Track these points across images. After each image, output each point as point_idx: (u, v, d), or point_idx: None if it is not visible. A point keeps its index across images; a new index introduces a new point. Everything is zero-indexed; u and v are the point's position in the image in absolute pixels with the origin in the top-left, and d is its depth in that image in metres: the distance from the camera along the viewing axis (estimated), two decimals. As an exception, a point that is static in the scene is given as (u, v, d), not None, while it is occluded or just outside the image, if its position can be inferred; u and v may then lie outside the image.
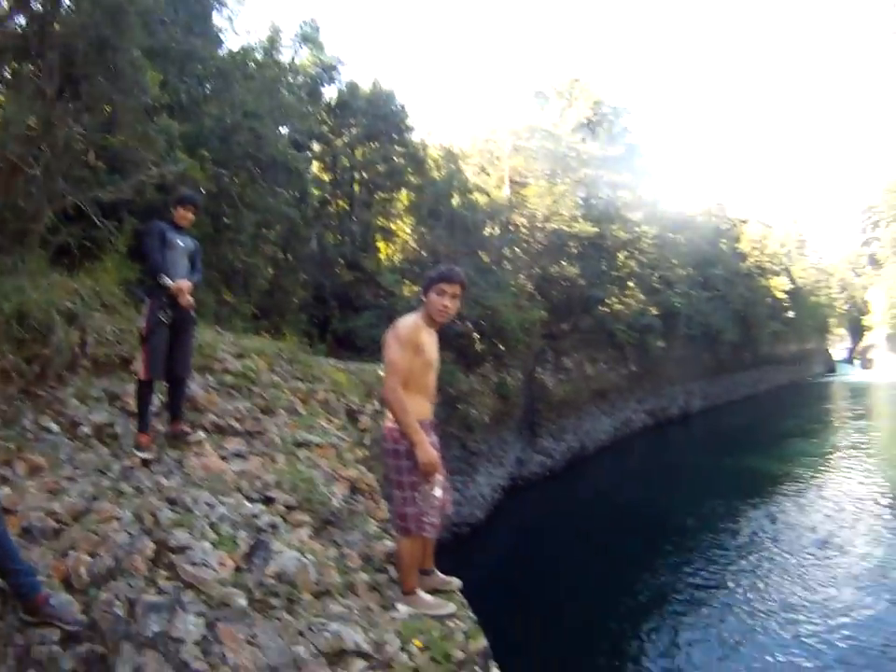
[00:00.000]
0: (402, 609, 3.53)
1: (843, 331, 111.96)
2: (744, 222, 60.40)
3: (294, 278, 19.43)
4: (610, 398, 37.97)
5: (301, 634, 3.01)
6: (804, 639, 15.45)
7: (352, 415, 8.92)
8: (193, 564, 3.15)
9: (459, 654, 3.37)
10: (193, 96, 13.53)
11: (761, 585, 18.24)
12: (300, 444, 5.77)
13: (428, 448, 3.38)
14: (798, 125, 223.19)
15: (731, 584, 18.51)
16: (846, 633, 15.39)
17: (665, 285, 41.68)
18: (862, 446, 37.28)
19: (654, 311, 39.27)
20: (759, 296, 58.17)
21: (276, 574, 3.30)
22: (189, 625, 2.77)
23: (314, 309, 20.13)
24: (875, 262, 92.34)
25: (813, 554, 20.24)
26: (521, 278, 28.75)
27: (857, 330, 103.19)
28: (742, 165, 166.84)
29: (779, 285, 61.36)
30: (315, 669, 2.88)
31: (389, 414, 3.52)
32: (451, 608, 3.65)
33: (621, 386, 39.51)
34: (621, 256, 36.78)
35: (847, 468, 31.80)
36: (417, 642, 3.30)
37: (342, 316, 19.52)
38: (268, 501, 4.31)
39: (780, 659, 14.52)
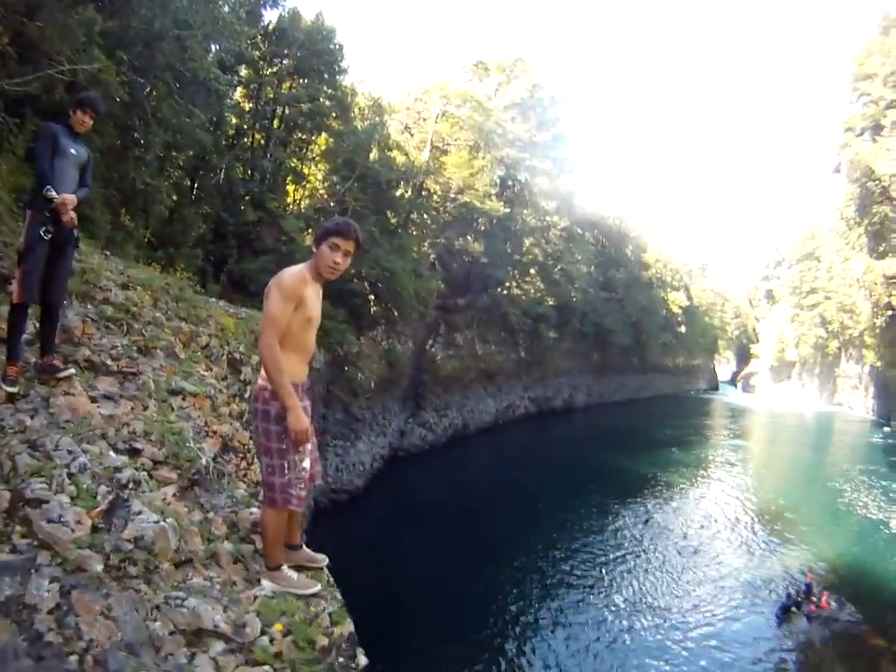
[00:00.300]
0: (267, 585, 3.57)
1: (730, 354, 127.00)
2: (654, 234, 67.35)
3: (196, 209, 18.99)
4: (497, 380, 41.08)
5: (157, 608, 3.01)
6: (668, 640, 17.00)
7: (234, 365, 8.92)
8: (49, 520, 3.07)
9: (323, 640, 3.46)
10: (125, -10, 12.26)
11: (624, 583, 19.96)
12: (174, 392, 5.67)
13: (301, 415, 3.31)
14: (729, 157, 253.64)
15: (596, 578, 20.11)
16: (707, 632, 17.07)
17: (566, 278, 45.68)
18: (735, 463, 41.70)
19: (551, 302, 43.19)
20: (655, 306, 64.87)
21: (134, 538, 3.23)
22: (44, 591, 2.68)
23: (211, 245, 19.52)
24: (771, 297, 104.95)
25: (679, 557, 22.54)
26: (425, 246, 30.64)
27: (743, 356, 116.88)
28: (665, 180, 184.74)
29: (677, 300, 68.99)
30: (173, 649, 2.92)
31: (262, 372, 3.44)
32: (316, 587, 3.69)
33: (509, 371, 42.75)
34: (527, 241, 40.04)
35: (718, 480, 35.85)
36: (278, 626, 3.37)
37: (239, 257, 19.74)
38: (133, 453, 4.22)
39: (635, 654, 15.92)
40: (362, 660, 3.90)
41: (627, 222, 61.11)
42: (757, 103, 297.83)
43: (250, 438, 6.14)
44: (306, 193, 25.76)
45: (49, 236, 4.41)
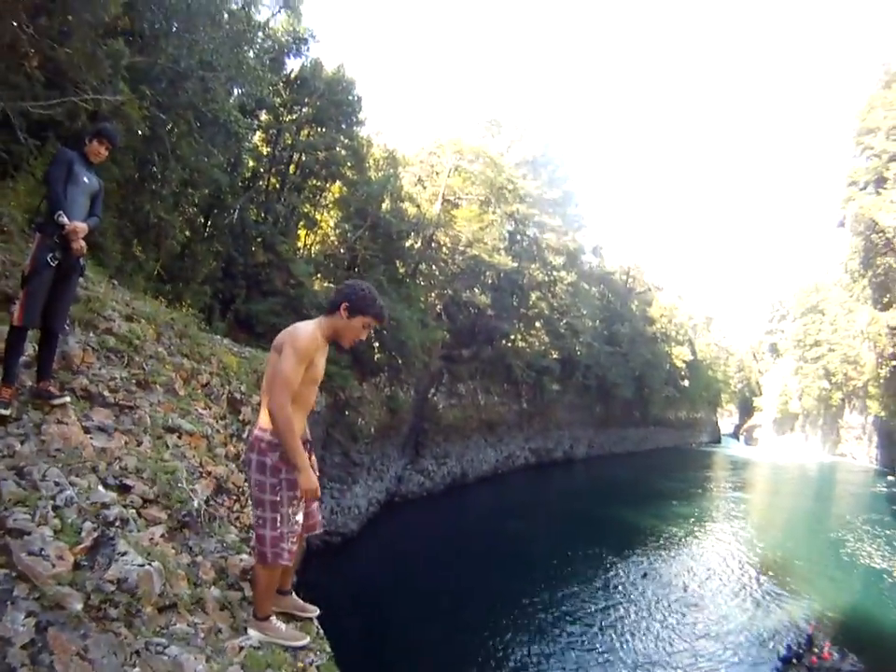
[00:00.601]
0: (253, 635, 3.49)
1: (732, 407, 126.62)
2: (659, 289, 67.83)
3: (208, 247, 19.36)
4: (498, 431, 41.15)
5: (137, 653, 2.95)
6: None
7: (234, 404, 8.88)
8: (30, 553, 3.02)
9: None
10: (155, 28, 12.91)
11: (623, 637, 19.82)
12: (170, 429, 5.63)
13: (311, 475, 3.38)
14: (733, 214, 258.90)
15: (594, 632, 19.92)
16: None
17: (571, 332, 46.14)
18: (736, 515, 41.82)
19: (555, 355, 43.56)
20: (659, 360, 65.13)
21: (117, 580, 3.17)
22: (19, 625, 2.64)
23: (220, 283, 19.71)
24: (775, 351, 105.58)
25: (680, 610, 22.52)
26: (432, 296, 31.18)
27: (746, 409, 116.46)
28: (671, 236, 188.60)
29: (681, 354, 69.16)
30: None
31: (260, 422, 3.43)
32: (305, 639, 3.61)
33: (510, 421, 42.82)
34: (533, 295, 40.62)
35: (720, 532, 35.87)
36: None
37: (247, 297, 19.98)
38: (123, 489, 4.16)
39: None
40: None
41: (634, 277, 62.17)
42: (763, 158, 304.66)
43: (245, 480, 6.01)
44: (317, 239, 26.31)
45: (56, 262, 4.41)
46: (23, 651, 2.57)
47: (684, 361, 70.27)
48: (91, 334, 6.28)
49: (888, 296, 40.05)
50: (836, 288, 67.71)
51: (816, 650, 18.98)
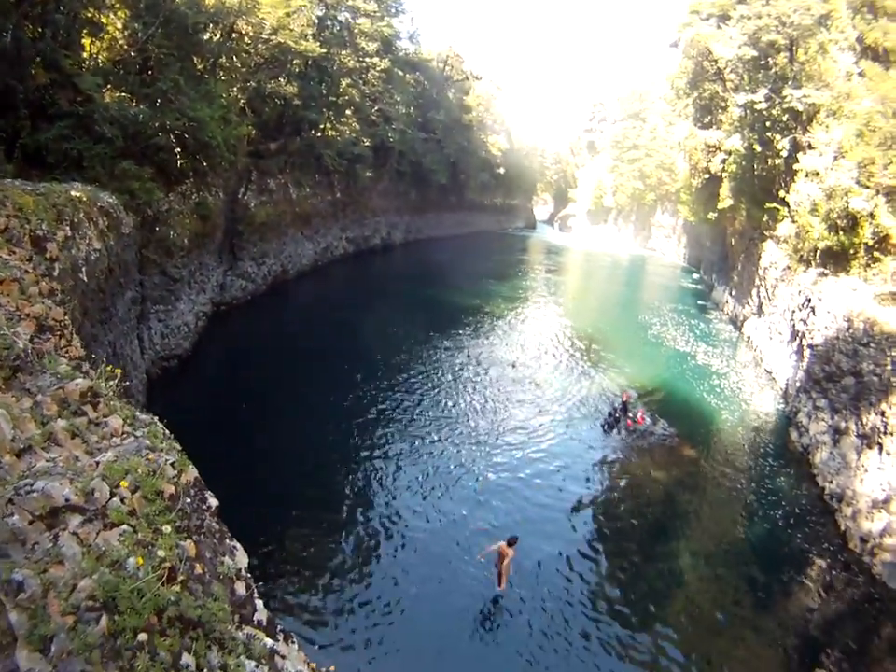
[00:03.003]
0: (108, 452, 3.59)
1: (548, 197, 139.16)
2: (477, 78, 69.65)
3: None
4: (314, 223, 43.21)
5: (11, 502, 3.06)
6: (506, 444, 18.93)
7: (38, 243, 8.79)
8: None
9: (170, 488, 3.71)
10: None
11: (456, 407, 21.61)
12: None
13: None
14: (562, 11, 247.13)
15: (427, 403, 21.70)
16: (539, 445, 19.22)
17: (384, 119, 48.00)
18: (553, 296, 46.83)
19: (367, 142, 45.65)
20: (475, 147, 69.58)
21: None
22: None
23: None
24: (592, 148, 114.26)
25: (507, 380, 24.70)
26: (234, 91, 30.82)
27: (562, 199, 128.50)
28: (494, 26, 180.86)
29: (497, 143, 74.39)
30: (36, 537, 3.01)
31: None
32: None
33: (325, 213, 45.16)
34: (344, 83, 41.22)
35: (539, 312, 40.12)
36: (124, 483, 3.51)
37: (32, 128, 18.02)
38: None
39: (472, 461, 17.54)
40: (213, 501, 4.32)
41: (453, 65, 63.34)
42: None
43: (65, 313, 6.27)
44: (104, 46, 23.92)
45: None
46: None
47: (500, 150, 75.51)
48: None
49: (709, 117, 44.58)
50: (660, 102, 72.53)
51: (630, 415, 21.90)
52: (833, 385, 20.04)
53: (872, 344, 18.13)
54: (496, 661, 11.25)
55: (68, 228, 11.02)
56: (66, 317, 6.48)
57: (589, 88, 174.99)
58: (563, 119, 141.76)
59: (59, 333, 6.02)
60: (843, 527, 16.47)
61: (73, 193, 13.07)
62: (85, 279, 11.48)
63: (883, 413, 16.57)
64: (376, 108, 46.59)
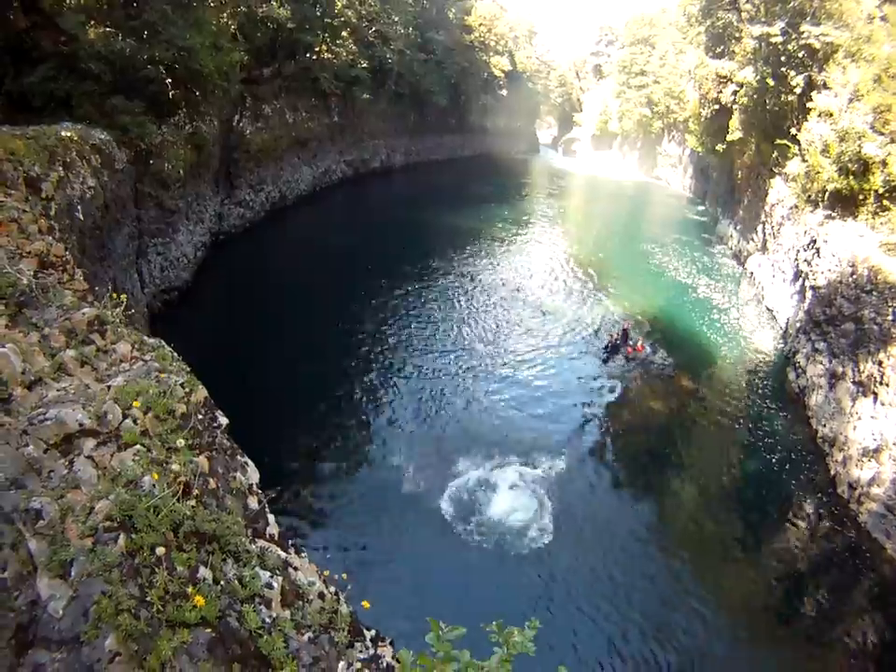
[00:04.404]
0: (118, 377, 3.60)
1: (552, 120, 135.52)
2: (481, -2, 66.81)
3: None
4: (311, 147, 42.54)
5: (25, 433, 3.12)
6: (510, 370, 19.80)
7: (32, 184, 9.14)
8: None
9: (181, 407, 3.80)
10: None
11: (459, 332, 22.35)
12: None
13: None
14: None
15: (432, 323, 22.51)
16: (541, 368, 20.15)
17: (382, 40, 46.58)
18: (556, 221, 46.80)
19: (365, 64, 44.45)
20: (476, 69, 67.44)
21: None
22: None
23: None
24: (598, 72, 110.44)
25: (510, 304, 25.39)
26: (224, 17, 29.83)
27: (566, 123, 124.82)
28: None
29: (499, 64, 71.78)
30: (52, 465, 3.08)
31: None
32: None
33: (322, 136, 44.38)
34: (339, 3, 39.76)
35: (541, 235, 40.29)
36: (136, 403, 3.62)
37: (16, 73, 17.78)
38: None
39: (479, 384, 18.68)
40: (223, 420, 4.40)
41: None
42: None
43: (65, 249, 6.39)
44: None
45: None
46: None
47: (503, 71, 73.21)
48: None
49: (721, 47, 42.64)
50: (671, 28, 70.01)
51: (630, 342, 22.38)
52: (833, 329, 20.28)
53: (874, 292, 18.26)
54: (485, 565, 12.16)
55: (61, 168, 11.17)
56: (67, 253, 6.56)
57: (596, 10, 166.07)
58: (569, 41, 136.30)
59: (61, 268, 6.12)
60: (833, 472, 17.02)
61: (63, 133, 13.34)
62: (81, 217, 11.72)
63: (881, 363, 16.83)
64: (373, 29, 45.26)
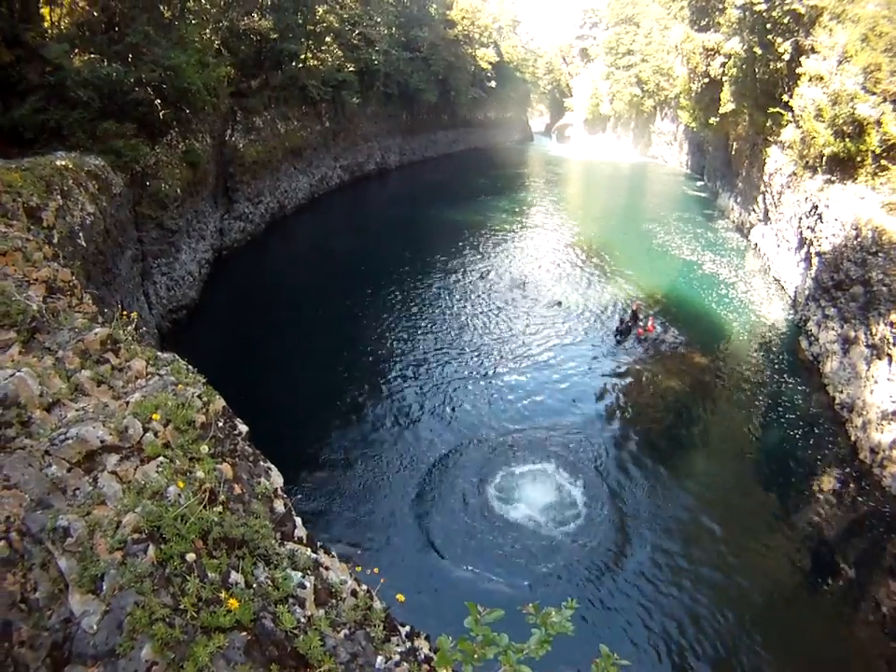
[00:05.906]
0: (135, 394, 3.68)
1: (543, 108, 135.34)
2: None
3: None
4: (306, 156, 42.59)
5: (47, 453, 3.13)
6: (519, 357, 19.87)
7: (33, 214, 9.31)
8: None
9: (201, 418, 3.85)
10: None
11: (468, 321, 22.84)
12: None
13: None
14: None
15: (439, 321, 22.74)
16: (552, 352, 20.38)
17: (366, 42, 46.62)
18: (556, 208, 46.69)
19: (351, 67, 44.48)
20: (463, 62, 67.30)
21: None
22: None
23: None
24: (585, 55, 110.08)
25: (516, 293, 25.60)
26: (206, 34, 30.04)
27: (557, 109, 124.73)
28: None
29: (486, 55, 71.62)
30: (76, 483, 3.12)
31: None
32: None
33: (315, 143, 44.35)
34: (320, 10, 39.96)
35: (543, 223, 40.34)
36: (156, 416, 3.65)
37: (5, 108, 17.93)
38: None
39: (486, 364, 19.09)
40: (243, 427, 4.46)
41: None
42: None
43: (72, 274, 6.48)
44: (65, 11, 22.73)
45: None
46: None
47: (490, 63, 73.02)
48: None
49: (706, 20, 42.54)
50: (654, 5, 69.88)
51: (641, 324, 22.32)
52: (842, 294, 20.10)
53: (881, 253, 18.04)
54: (516, 553, 12.15)
55: (59, 196, 11.33)
56: (74, 278, 6.66)
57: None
58: (553, 27, 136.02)
59: (69, 293, 6.18)
60: (853, 438, 16.84)
61: (58, 162, 13.55)
62: (83, 243, 11.88)
63: (892, 324, 16.65)
64: (357, 32, 45.16)
